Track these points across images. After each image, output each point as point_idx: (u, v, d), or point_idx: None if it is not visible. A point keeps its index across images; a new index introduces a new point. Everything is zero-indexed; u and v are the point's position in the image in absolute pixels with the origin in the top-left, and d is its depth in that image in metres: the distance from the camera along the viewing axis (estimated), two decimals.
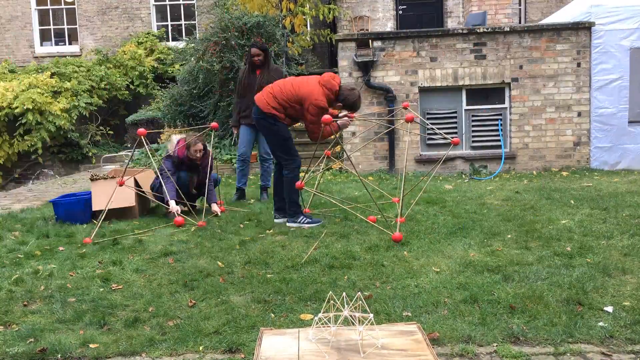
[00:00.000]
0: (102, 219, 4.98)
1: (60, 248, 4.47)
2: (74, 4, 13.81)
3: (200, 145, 5.58)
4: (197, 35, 12.26)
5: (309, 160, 6.17)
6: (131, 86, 12.65)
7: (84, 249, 4.38)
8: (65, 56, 13.27)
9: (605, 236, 4.24)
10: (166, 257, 4.10)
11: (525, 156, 8.27)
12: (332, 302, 1.86)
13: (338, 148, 8.60)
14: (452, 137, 5.57)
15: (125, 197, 5.44)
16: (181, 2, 13.82)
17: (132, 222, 5.33)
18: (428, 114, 8.31)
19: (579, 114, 8.18)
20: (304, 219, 4.96)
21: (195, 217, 5.24)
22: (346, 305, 1.80)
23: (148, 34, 13.46)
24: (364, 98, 8.37)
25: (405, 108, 5.96)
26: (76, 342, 2.72)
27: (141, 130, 4.86)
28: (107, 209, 5.13)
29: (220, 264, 3.89)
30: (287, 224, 4.98)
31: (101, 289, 3.46)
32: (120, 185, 5.12)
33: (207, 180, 5.60)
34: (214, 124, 5.60)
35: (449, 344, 2.61)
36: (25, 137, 10.95)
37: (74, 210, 5.41)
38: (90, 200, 5.45)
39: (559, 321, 2.78)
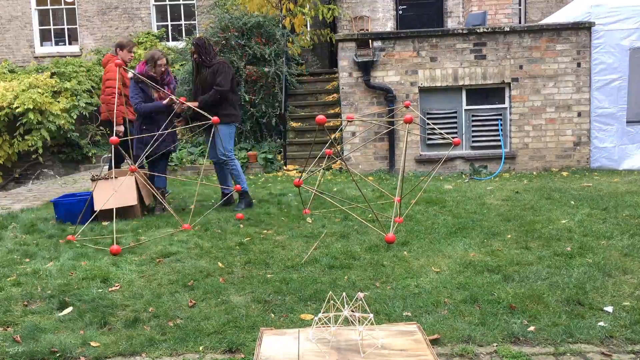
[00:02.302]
0: (91, 219, 4.95)
1: (61, 247, 4.47)
2: (74, 4, 13.81)
3: (164, 60, 5.61)
4: (197, 35, 12.25)
5: (306, 160, 6.17)
6: None
7: (84, 249, 4.38)
8: (65, 56, 13.26)
9: (605, 236, 4.24)
10: (166, 258, 4.10)
11: (525, 156, 8.27)
12: (332, 302, 1.86)
13: (339, 147, 8.61)
14: (453, 138, 5.57)
15: (127, 197, 5.43)
16: (181, 2, 13.82)
17: (131, 222, 5.33)
18: (428, 114, 8.31)
19: (579, 114, 8.18)
20: None
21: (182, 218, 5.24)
22: (346, 306, 1.80)
23: (148, 34, 13.46)
24: (364, 98, 8.39)
25: (406, 107, 5.96)
26: (76, 342, 2.72)
27: (113, 138, 4.76)
28: (105, 208, 5.13)
29: (220, 264, 3.89)
30: None
31: (101, 289, 3.46)
32: (132, 171, 5.18)
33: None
34: (215, 118, 5.39)
35: (449, 344, 2.61)
36: (26, 137, 10.94)
37: (75, 210, 5.40)
38: (91, 201, 5.44)
39: (559, 321, 2.78)
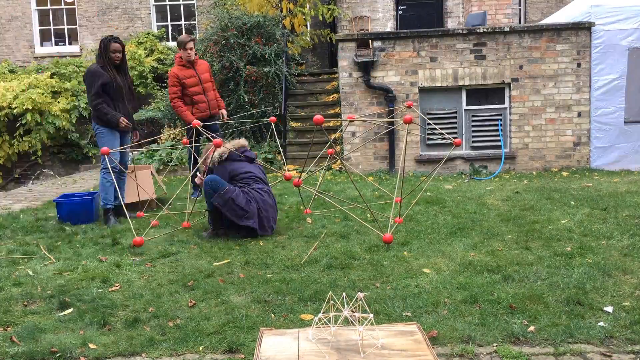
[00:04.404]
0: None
1: (61, 248, 4.47)
2: (74, 4, 13.81)
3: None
4: (197, 35, 12.26)
5: (305, 160, 6.18)
6: None
7: (84, 249, 4.38)
8: (65, 56, 13.26)
9: (605, 236, 4.24)
10: (166, 258, 4.10)
11: (525, 156, 8.27)
12: (332, 302, 1.86)
13: (339, 148, 8.60)
14: (454, 138, 5.57)
15: (143, 191, 5.74)
16: (181, 2, 13.82)
17: (133, 220, 5.32)
18: (428, 114, 8.31)
19: (579, 114, 8.18)
20: None
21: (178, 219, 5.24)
22: (346, 306, 1.80)
23: (148, 34, 13.46)
24: (364, 98, 8.39)
25: (409, 107, 5.97)
26: (76, 342, 2.72)
27: (104, 149, 4.77)
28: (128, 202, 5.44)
29: (220, 262, 3.89)
30: None
31: (101, 289, 3.46)
32: (185, 144, 5.91)
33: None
34: (273, 118, 5.80)
35: (449, 344, 2.61)
36: (25, 138, 10.95)
37: (77, 210, 5.40)
38: (94, 201, 5.50)
39: (559, 321, 2.78)
